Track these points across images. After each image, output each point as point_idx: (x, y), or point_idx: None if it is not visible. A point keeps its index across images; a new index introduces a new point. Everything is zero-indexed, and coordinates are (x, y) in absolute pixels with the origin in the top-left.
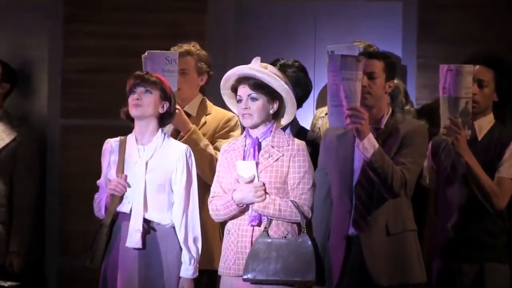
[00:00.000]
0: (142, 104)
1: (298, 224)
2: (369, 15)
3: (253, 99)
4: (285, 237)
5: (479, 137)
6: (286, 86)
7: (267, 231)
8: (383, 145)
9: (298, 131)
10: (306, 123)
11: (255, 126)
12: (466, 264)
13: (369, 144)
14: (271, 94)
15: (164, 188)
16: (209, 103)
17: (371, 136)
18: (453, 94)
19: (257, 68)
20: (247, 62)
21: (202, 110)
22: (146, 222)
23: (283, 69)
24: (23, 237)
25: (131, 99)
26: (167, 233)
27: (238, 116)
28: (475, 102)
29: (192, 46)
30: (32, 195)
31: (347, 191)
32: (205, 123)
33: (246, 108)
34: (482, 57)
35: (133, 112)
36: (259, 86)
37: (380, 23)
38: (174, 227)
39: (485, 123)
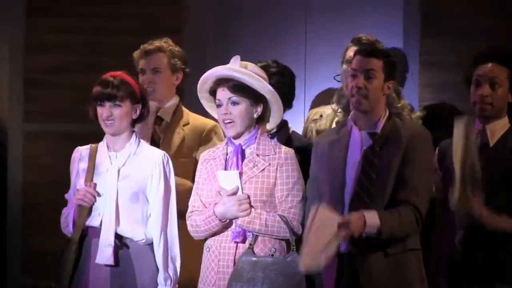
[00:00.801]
0: (113, 118)
1: (287, 241)
2: (365, 7)
3: (234, 103)
4: (272, 255)
5: (491, 143)
6: (270, 87)
7: (252, 249)
8: (382, 152)
9: (288, 137)
10: (296, 127)
11: (239, 135)
12: (477, 286)
13: (371, 229)
14: (254, 96)
15: (137, 197)
16: (185, 110)
17: (365, 226)
18: None
19: (235, 68)
20: (230, 59)
21: (177, 117)
22: (118, 238)
23: None
24: None
25: (100, 112)
26: (142, 250)
27: (219, 122)
28: (487, 104)
29: (164, 42)
30: None
31: (338, 203)
32: (183, 138)
33: (227, 113)
34: (494, 53)
35: (106, 130)
36: (239, 88)
37: (378, 15)
38: (149, 244)
39: (498, 128)
